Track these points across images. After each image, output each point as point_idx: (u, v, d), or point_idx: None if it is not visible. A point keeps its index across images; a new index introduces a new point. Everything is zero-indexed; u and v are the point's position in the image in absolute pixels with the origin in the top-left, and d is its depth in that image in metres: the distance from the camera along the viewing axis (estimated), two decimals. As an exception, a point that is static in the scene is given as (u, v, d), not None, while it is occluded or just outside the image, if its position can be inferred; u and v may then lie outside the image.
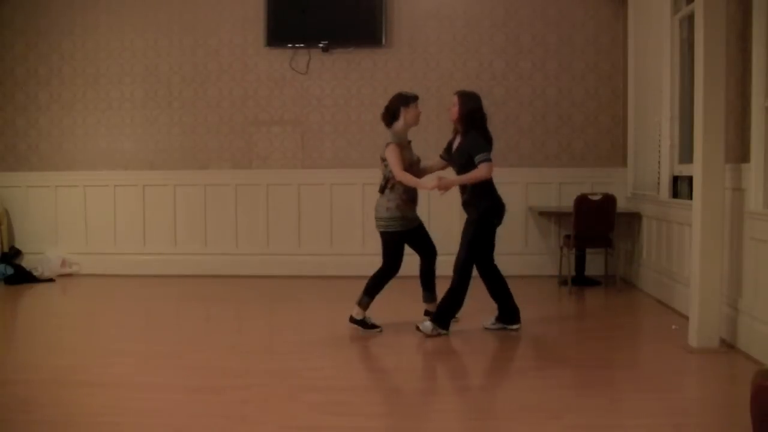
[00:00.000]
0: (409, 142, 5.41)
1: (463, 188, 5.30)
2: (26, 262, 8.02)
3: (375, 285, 5.35)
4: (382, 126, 7.54)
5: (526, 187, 7.82)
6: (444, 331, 5.25)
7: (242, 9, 7.94)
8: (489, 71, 7.84)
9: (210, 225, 8.08)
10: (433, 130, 7.38)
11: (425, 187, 5.22)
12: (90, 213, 8.18)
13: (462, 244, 5.26)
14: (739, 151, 4.84)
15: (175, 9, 8.02)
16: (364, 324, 5.37)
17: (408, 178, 5.20)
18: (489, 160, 5.09)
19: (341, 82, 7.90)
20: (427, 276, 5.54)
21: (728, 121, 4.80)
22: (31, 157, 8.24)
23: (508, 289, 5.44)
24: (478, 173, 5.09)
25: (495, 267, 5.41)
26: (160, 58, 8.06)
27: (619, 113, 7.77)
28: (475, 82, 7.78)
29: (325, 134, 7.96)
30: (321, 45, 7.80)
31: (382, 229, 5.31)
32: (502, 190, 7.66)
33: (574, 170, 7.79)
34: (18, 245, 8.19)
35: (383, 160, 5.28)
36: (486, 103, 7.72)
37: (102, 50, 8.10)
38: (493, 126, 7.71)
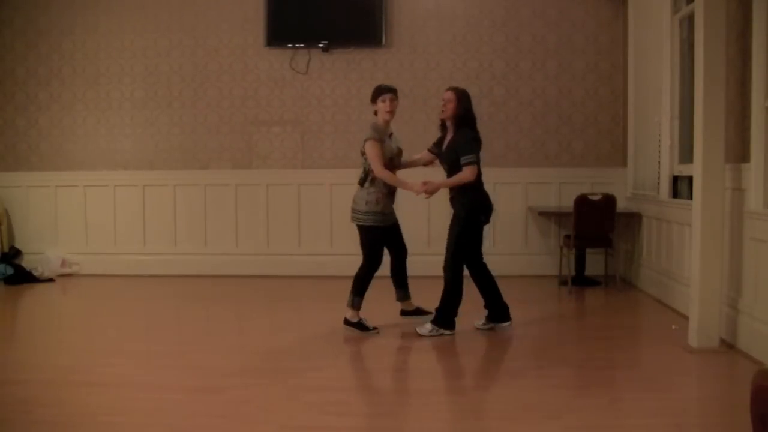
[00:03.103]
0: (391, 134, 5.36)
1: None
2: (26, 262, 8.02)
3: (361, 282, 5.34)
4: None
5: (526, 187, 7.83)
6: (448, 332, 5.25)
7: (242, 9, 7.94)
8: (489, 71, 7.85)
9: (210, 225, 8.08)
10: (434, 131, 7.23)
11: (411, 189, 5.22)
12: (90, 213, 8.18)
13: (449, 241, 5.26)
14: (739, 151, 4.84)
15: (175, 9, 8.03)
16: (361, 327, 5.36)
17: (391, 177, 5.19)
18: (474, 162, 5.11)
19: (341, 82, 7.91)
20: (399, 274, 5.54)
21: (728, 121, 4.80)
22: (31, 157, 8.24)
23: (497, 287, 5.42)
24: (462, 176, 5.12)
25: (484, 265, 5.40)
26: (160, 58, 8.06)
27: (619, 113, 7.77)
28: (475, 82, 7.78)
29: (325, 134, 7.96)
30: (321, 45, 7.80)
31: (359, 223, 5.29)
32: (503, 190, 7.82)
33: (574, 170, 7.79)
34: (18, 245, 8.19)
35: (363, 153, 5.25)
36: (486, 103, 7.85)
37: (102, 50, 8.11)
38: (493, 126, 7.83)
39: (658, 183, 6.64)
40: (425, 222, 7.55)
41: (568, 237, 7.12)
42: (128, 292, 7.36)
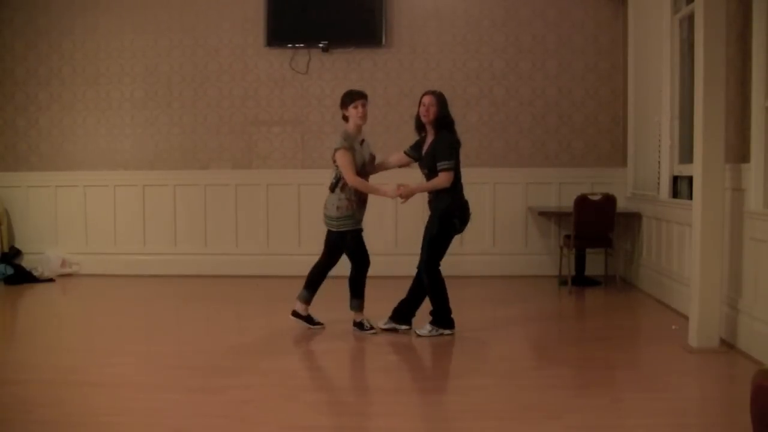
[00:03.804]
0: (362, 141, 5.33)
1: None
2: (26, 262, 8.02)
3: (357, 284, 5.34)
4: (381, 126, 7.60)
5: (526, 187, 7.83)
6: (447, 331, 5.25)
7: (242, 9, 7.94)
8: (489, 71, 7.84)
9: (210, 225, 8.08)
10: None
11: (386, 194, 5.24)
12: (90, 213, 8.18)
13: (423, 244, 5.24)
14: (739, 151, 4.84)
15: (175, 9, 8.03)
16: (359, 327, 5.38)
17: (364, 186, 5.18)
18: (450, 169, 5.08)
19: (341, 82, 7.89)
20: (321, 277, 5.48)
21: (728, 121, 4.80)
22: (31, 157, 8.24)
23: (423, 298, 5.37)
24: (437, 182, 5.11)
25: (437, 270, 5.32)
26: (160, 58, 8.06)
27: (619, 113, 7.77)
28: (475, 82, 7.79)
29: (325, 134, 7.96)
30: (321, 45, 7.80)
31: (333, 229, 5.28)
32: (503, 190, 7.82)
33: (574, 170, 7.79)
34: (18, 245, 8.19)
35: (334, 161, 5.23)
36: (486, 103, 7.86)
37: (102, 50, 8.11)
38: (493, 126, 7.84)
39: (658, 183, 6.64)
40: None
41: (568, 237, 7.13)
42: (128, 292, 7.36)
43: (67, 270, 7.99)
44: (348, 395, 4.17)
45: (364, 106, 5.25)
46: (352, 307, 5.40)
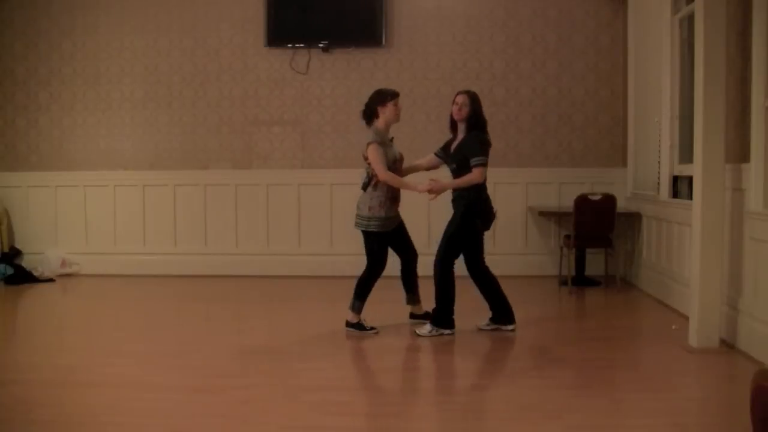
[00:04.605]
0: (392, 139, 5.35)
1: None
2: (26, 262, 8.02)
3: (363, 287, 5.34)
4: (382, 126, 7.55)
5: (526, 187, 7.83)
6: (447, 331, 5.25)
7: (242, 9, 7.94)
8: (489, 71, 7.84)
9: (210, 225, 8.08)
10: (434, 131, 7.37)
11: (416, 189, 5.23)
12: (90, 213, 8.18)
13: (442, 240, 5.26)
14: (739, 151, 4.84)
15: (175, 9, 8.02)
16: (360, 327, 5.37)
17: (395, 180, 5.19)
18: (483, 165, 5.11)
19: (341, 82, 7.91)
20: (408, 277, 5.53)
21: (728, 121, 4.80)
22: (31, 157, 8.24)
23: (501, 289, 5.41)
24: (470, 177, 5.12)
25: (485, 268, 5.39)
26: (160, 58, 8.06)
27: (619, 113, 7.77)
28: (475, 82, 7.78)
29: (325, 134, 7.96)
30: (321, 45, 7.80)
31: (362, 228, 5.28)
32: (503, 190, 7.81)
33: (574, 170, 7.79)
34: (18, 245, 8.19)
35: (365, 158, 5.24)
36: (486, 103, 7.75)
37: (102, 50, 8.11)
38: (493, 126, 7.73)
39: (658, 183, 6.64)
40: (425, 222, 7.55)
41: (568, 237, 7.13)
42: (128, 292, 7.36)
43: (67, 270, 7.99)
44: (348, 395, 4.17)
45: (398, 103, 5.32)
46: (351, 307, 5.37)
